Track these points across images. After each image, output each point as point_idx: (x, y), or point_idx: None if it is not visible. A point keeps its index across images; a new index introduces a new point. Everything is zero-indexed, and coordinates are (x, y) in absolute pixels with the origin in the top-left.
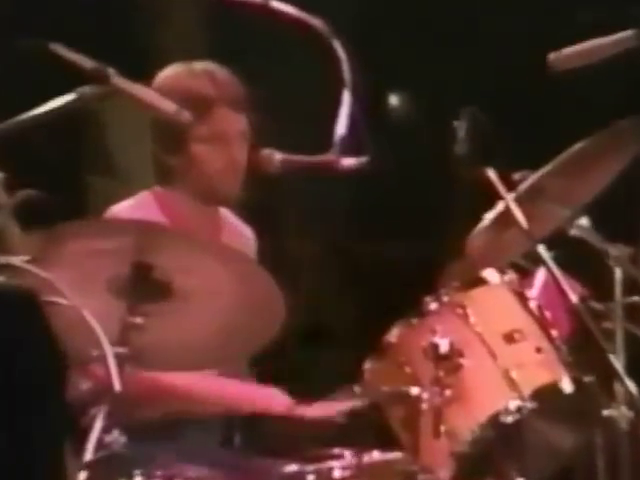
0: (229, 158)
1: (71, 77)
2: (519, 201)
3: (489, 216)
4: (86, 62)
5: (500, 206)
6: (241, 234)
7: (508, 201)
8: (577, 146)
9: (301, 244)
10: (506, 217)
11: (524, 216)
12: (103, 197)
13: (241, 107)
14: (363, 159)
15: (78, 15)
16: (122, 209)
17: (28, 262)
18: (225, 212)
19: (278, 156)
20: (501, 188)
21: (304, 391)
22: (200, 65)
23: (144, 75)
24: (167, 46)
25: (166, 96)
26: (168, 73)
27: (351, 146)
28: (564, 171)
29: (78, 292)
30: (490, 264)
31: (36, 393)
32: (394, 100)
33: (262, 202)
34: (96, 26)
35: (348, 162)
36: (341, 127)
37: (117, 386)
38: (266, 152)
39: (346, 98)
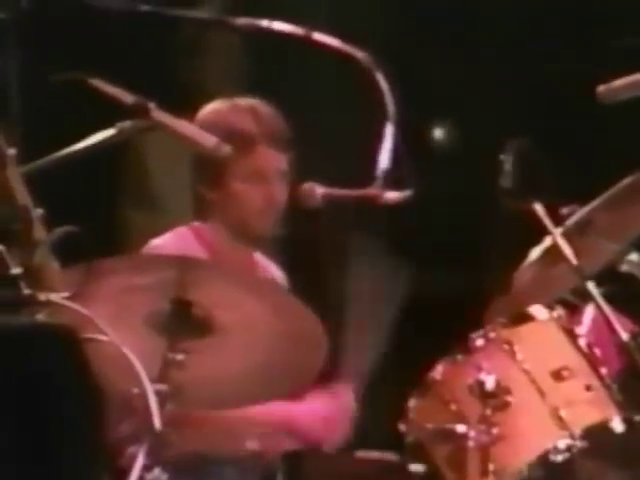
0: (268, 197)
1: (111, 111)
2: (567, 235)
3: (536, 251)
4: (126, 96)
5: (548, 241)
6: (274, 274)
7: (556, 236)
8: (626, 180)
9: (344, 278)
10: (554, 252)
11: (573, 251)
12: (142, 231)
13: (283, 146)
14: (406, 193)
15: (118, 49)
16: (162, 244)
17: (67, 298)
18: (257, 254)
19: (320, 190)
20: (549, 222)
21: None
22: (244, 101)
23: (184, 109)
24: (208, 79)
25: (209, 131)
26: (212, 108)
27: (394, 179)
28: (613, 205)
29: (117, 328)
30: (537, 300)
31: (74, 431)
32: (439, 133)
33: (304, 235)
34: (135, 60)
35: (391, 196)
36: (384, 160)
37: (158, 424)
38: (308, 186)
39: (389, 131)
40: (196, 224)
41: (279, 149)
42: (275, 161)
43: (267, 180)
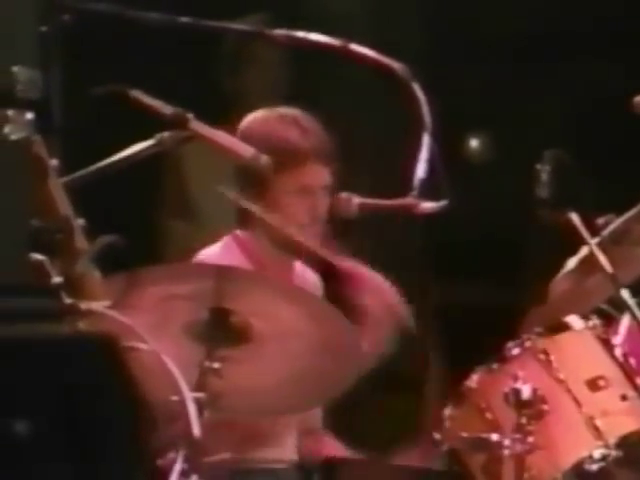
0: (312, 211)
1: (151, 123)
2: (603, 245)
3: (572, 261)
4: (165, 107)
5: (584, 251)
6: (311, 282)
7: (592, 246)
8: None
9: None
10: (590, 262)
11: (608, 261)
12: (183, 241)
13: (328, 161)
14: (442, 203)
15: (159, 62)
16: (209, 254)
17: (109, 307)
18: (297, 262)
19: (356, 200)
20: (585, 233)
21: (384, 439)
22: (289, 112)
23: (225, 121)
24: (249, 92)
25: (256, 141)
26: (258, 118)
27: (430, 190)
28: None
29: (156, 337)
30: (573, 310)
31: (116, 439)
32: (474, 143)
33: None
34: (177, 72)
35: (427, 206)
36: (420, 170)
37: (196, 431)
38: (344, 196)
39: (425, 141)
40: (239, 232)
41: (325, 164)
42: (321, 176)
43: (313, 195)
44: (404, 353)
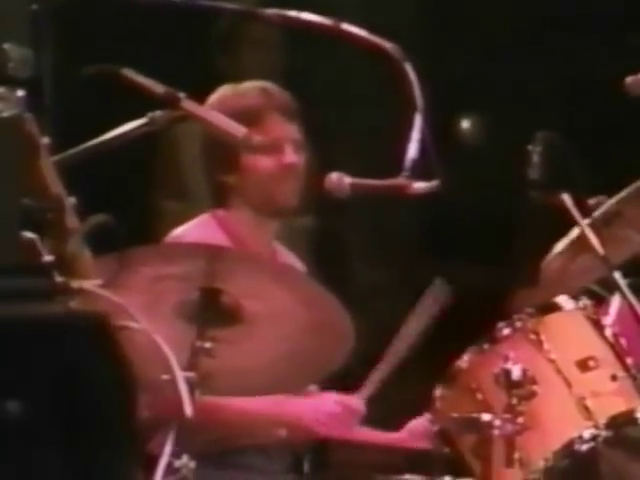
0: (282, 164)
1: (143, 102)
2: (594, 226)
3: (564, 241)
4: (157, 87)
5: (575, 232)
6: (292, 263)
7: (583, 227)
8: None
9: (369, 270)
10: (581, 243)
11: (600, 242)
12: (175, 221)
13: (291, 116)
14: (434, 183)
15: (152, 41)
16: (184, 233)
17: (100, 287)
18: (277, 244)
19: (347, 180)
20: (576, 213)
21: (374, 419)
22: (248, 83)
23: None
24: (243, 72)
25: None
26: (216, 94)
27: (422, 170)
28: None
29: (147, 317)
30: (564, 290)
31: (107, 418)
32: (466, 124)
33: (329, 227)
34: (170, 52)
35: (419, 186)
36: (412, 151)
37: (188, 411)
38: (335, 176)
39: (417, 122)
40: (219, 212)
41: (289, 118)
42: (287, 130)
43: (280, 148)
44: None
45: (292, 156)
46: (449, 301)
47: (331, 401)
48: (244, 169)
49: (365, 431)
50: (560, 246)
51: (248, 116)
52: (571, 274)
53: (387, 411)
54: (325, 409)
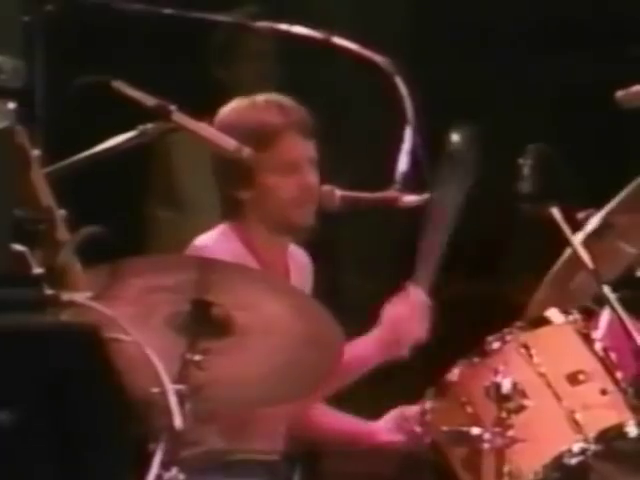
0: (301, 185)
1: (134, 114)
2: (586, 240)
3: (556, 265)
4: (148, 99)
5: (567, 253)
6: (304, 263)
7: (573, 243)
8: (638, 179)
9: (362, 282)
10: (574, 260)
11: (591, 256)
12: (170, 231)
13: (309, 133)
14: (424, 196)
15: (146, 52)
16: (206, 244)
17: (91, 299)
18: (291, 245)
19: (338, 192)
20: (565, 227)
21: None
22: (262, 96)
23: (214, 112)
24: (239, 83)
25: (230, 130)
26: (231, 107)
27: (412, 183)
28: (631, 206)
29: (138, 328)
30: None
31: (98, 429)
32: (456, 137)
33: (321, 238)
34: (165, 63)
35: (409, 199)
36: (403, 164)
37: (178, 423)
38: (327, 188)
39: (408, 135)
40: (235, 223)
41: (306, 136)
42: (303, 149)
43: (299, 169)
44: None
45: (311, 177)
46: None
47: (391, 307)
48: (261, 187)
49: (342, 416)
50: (552, 272)
51: (265, 135)
52: (569, 295)
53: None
54: (393, 317)
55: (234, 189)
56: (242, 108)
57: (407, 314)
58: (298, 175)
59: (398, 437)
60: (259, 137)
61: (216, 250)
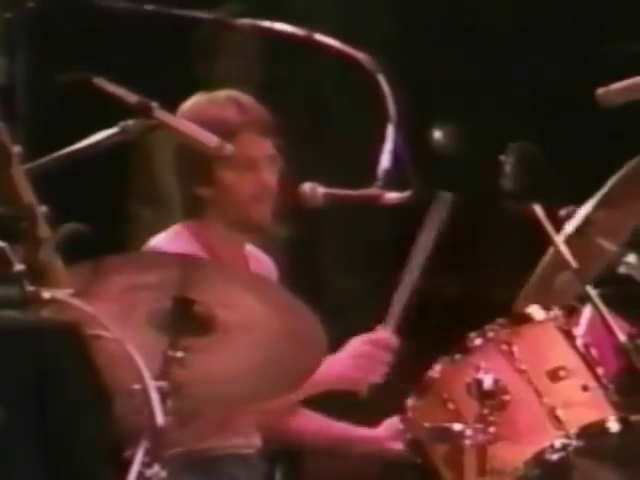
0: (258, 183)
1: (116, 110)
2: (568, 239)
3: (539, 268)
4: (129, 96)
5: (549, 251)
6: (265, 266)
7: (553, 238)
8: (619, 175)
9: (344, 279)
10: (556, 259)
11: (572, 253)
12: (148, 229)
13: (267, 132)
14: (406, 193)
15: (128, 49)
16: (159, 243)
17: (72, 296)
18: (250, 248)
19: (321, 190)
20: (548, 224)
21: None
22: (223, 93)
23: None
24: (220, 80)
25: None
26: (191, 102)
27: (395, 180)
28: (611, 202)
29: (120, 326)
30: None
31: (78, 427)
32: (438, 134)
33: (305, 235)
34: (147, 61)
35: (391, 196)
36: (385, 161)
37: (160, 420)
38: (309, 186)
39: (390, 133)
40: (191, 222)
41: (264, 134)
42: (261, 147)
43: (255, 167)
44: None
45: (268, 175)
46: (455, 209)
47: (359, 343)
48: (220, 184)
49: (343, 425)
50: (535, 274)
51: (223, 131)
52: (552, 295)
53: (369, 418)
54: (357, 352)
55: (194, 186)
56: (202, 104)
57: (372, 355)
58: (256, 173)
59: (398, 444)
60: (218, 134)
61: (170, 250)
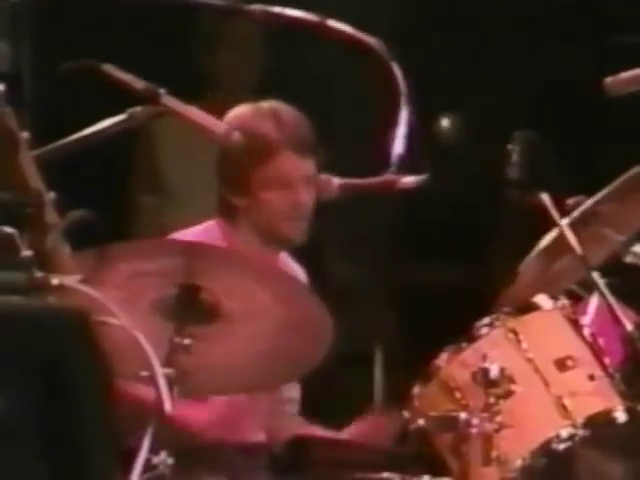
0: (293, 202)
1: (122, 97)
2: (573, 226)
3: (542, 243)
4: (137, 82)
5: (554, 232)
6: (296, 274)
7: (562, 227)
8: (632, 171)
9: (348, 269)
10: (560, 243)
11: (578, 242)
12: (155, 216)
13: (307, 151)
14: (422, 177)
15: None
16: (188, 235)
17: (79, 282)
18: (282, 254)
19: (336, 181)
20: (555, 213)
21: (352, 417)
22: (267, 105)
23: (200, 99)
24: (224, 71)
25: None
26: (236, 112)
27: (408, 165)
28: (618, 196)
29: (126, 313)
30: (543, 291)
31: (84, 413)
32: (445, 123)
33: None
34: (151, 49)
35: (407, 181)
36: (398, 147)
37: (168, 406)
38: (324, 177)
39: (403, 117)
40: (222, 221)
41: (303, 154)
42: (299, 167)
43: (292, 186)
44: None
45: (304, 195)
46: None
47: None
48: (254, 197)
49: (314, 429)
50: (538, 248)
51: (261, 148)
52: (550, 276)
53: (364, 409)
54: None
55: (228, 193)
56: (245, 115)
57: (371, 435)
58: (292, 192)
59: (372, 440)
60: (255, 148)
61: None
